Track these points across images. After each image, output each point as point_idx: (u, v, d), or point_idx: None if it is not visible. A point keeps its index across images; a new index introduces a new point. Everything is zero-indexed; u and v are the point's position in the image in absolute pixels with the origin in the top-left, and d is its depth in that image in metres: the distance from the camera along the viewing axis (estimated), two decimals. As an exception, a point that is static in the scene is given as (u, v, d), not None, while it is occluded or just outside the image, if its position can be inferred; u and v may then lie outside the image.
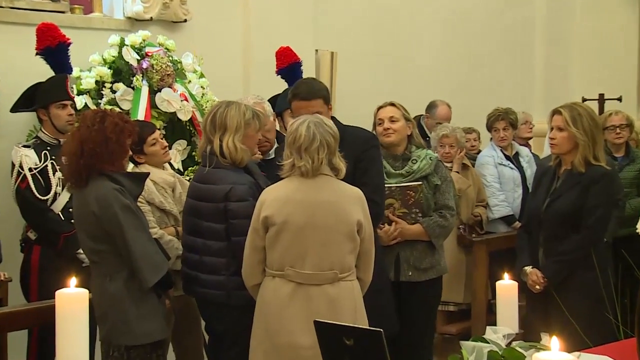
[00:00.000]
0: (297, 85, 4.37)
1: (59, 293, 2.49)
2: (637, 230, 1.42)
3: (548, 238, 4.61)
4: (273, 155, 4.72)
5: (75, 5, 5.89)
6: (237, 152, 4.07)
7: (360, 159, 4.17)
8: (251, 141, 4.19)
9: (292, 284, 3.68)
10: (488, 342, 2.77)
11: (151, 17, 6.03)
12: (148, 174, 4.27)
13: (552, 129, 4.60)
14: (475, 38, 8.42)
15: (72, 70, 5.23)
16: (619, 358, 2.92)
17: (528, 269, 4.60)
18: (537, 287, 4.54)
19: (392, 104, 4.65)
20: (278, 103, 5.50)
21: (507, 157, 6.69)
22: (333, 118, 4.15)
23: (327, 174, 3.71)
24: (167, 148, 4.68)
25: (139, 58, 5.53)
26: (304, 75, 5.98)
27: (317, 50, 6.45)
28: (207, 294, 4.12)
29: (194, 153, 5.57)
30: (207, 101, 5.71)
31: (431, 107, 7.19)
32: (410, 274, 4.54)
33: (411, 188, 4.53)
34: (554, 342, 1.69)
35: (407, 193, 4.52)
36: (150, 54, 5.56)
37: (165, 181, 4.55)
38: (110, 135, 3.84)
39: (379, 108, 4.64)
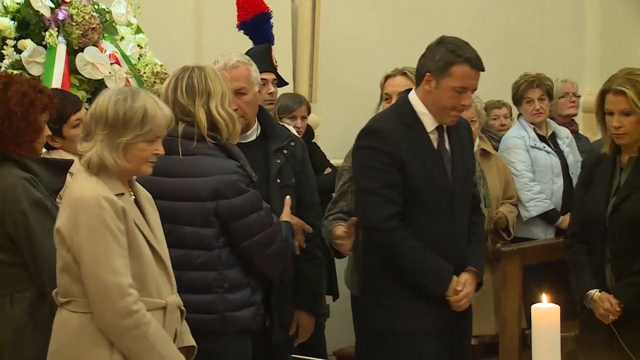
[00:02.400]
0: (466, 48, 4.45)
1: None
2: None
3: (619, 253, 4.60)
4: (254, 138, 4.78)
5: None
6: (233, 121, 4.18)
7: None
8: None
9: None
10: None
11: (71, -44, 5.98)
12: (71, 162, 4.24)
13: (611, 113, 4.57)
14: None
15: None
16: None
17: (595, 293, 4.60)
18: (611, 316, 4.53)
19: (404, 73, 4.68)
20: None
21: (542, 139, 6.76)
22: None
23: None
24: None
25: (53, 6, 5.47)
26: (275, 31, 5.96)
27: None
28: (196, 321, 4.02)
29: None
30: (146, 64, 5.68)
31: None
32: None
33: None
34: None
35: None
36: (68, 2, 5.50)
37: None
38: (14, 108, 3.83)
39: (387, 77, 4.68)
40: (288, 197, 4.50)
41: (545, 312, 3.13)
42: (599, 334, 4.62)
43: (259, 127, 4.82)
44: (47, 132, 4.20)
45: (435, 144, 4.47)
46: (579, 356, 4.62)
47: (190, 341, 3.77)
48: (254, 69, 4.80)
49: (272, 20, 5.93)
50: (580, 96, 7.55)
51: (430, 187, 4.40)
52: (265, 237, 4.20)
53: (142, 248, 3.52)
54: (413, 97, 4.47)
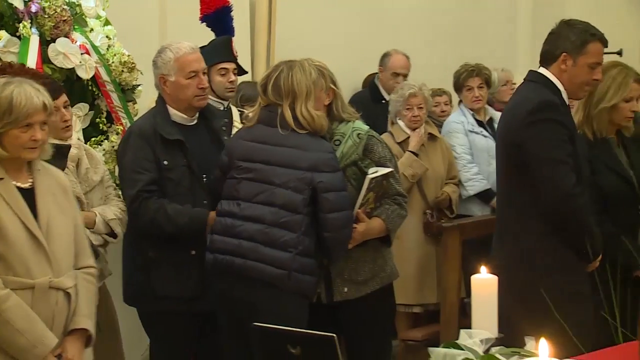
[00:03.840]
0: (593, 28, 4.57)
1: None
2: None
3: None
4: (196, 121, 4.81)
5: None
6: (315, 120, 4.24)
7: None
8: (319, 103, 4.34)
9: None
10: (462, 349, 2.82)
11: (42, -48, 5.92)
12: (69, 146, 4.32)
13: (629, 100, 4.75)
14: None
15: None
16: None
17: None
18: None
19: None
20: (204, 57, 5.45)
21: (480, 123, 6.79)
22: None
23: None
24: (69, 122, 4.60)
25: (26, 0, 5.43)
26: (235, 23, 5.95)
27: (252, -6, 6.45)
28: (265, 272, 4.17)
29: (97, 120, 5.50)
30: (114, 55, 5.62)
31: (383, 57, 7.23)
32: (345, 290, 4.40)
33: (387, 176, 4.39)
34: (542, 346, 1.72)
35: (382, 184, 4.40)
36: (40, -5, 5.47)
37: None
38: None
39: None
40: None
41: (484, 282, 3.15)
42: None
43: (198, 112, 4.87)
44: (64, 113, 4.30)
45: None
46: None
47: (83, 324, 3.72)
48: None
49: (232, 14, 5.92)
50: (516, 84, 7.60)
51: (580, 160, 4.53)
52: (345, 216, 4.25)
53: (7, 229, 3.53)
54: (550, 75, 4.54)
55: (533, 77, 4.63)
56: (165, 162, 4.61)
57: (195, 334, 4.70)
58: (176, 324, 4.67)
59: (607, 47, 4.54)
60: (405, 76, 7.23)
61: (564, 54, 4.49)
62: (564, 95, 4.53)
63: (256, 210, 4.21)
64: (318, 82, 4.26)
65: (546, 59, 4.59)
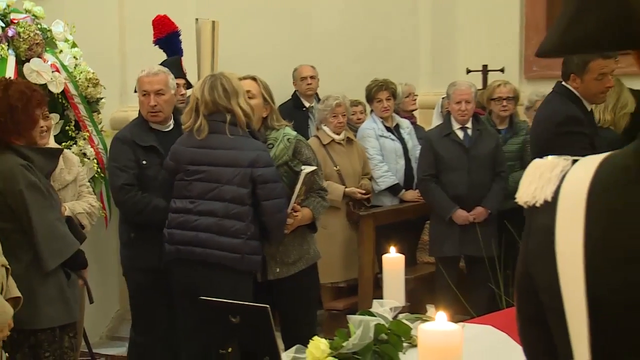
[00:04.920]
0: None
1: None
2: (516, 200, 1.51)
3: None
4: (171, 127, 4.90)
5: None
6: (255, 111, 4.32)
7: None
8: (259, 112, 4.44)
9: None
10: (375, 316, 2.88)
11: (17, -17, 5.86)
12: (62, 149, 4.34)
13: None
14: (365, 8, 8.49)
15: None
16: (501, 326, 3.07)
17: None
18: None
19: (254, 79, 4.50)
20: None
21: (388, 129, 6.77)
22: None
23: None
24: (47, 131, 4.57)
25: (3, 25, 5.35)
26: (184, 46, 5.95)
27: (197, 20, 6.40)
28: (221, 257, 4.21)
29: (67, 128, 5.46)
30: (81, 72, 5.59)
31: (294, 72, 7.39)
32: (277, 270, 4.42)
33: (314, 172, 4.45)
34: (439, 314, 1.77)
35: (310, 178, 4.44)
36: (16, 21, 5.40)
37: None
38: (16, 103, 3.81)
39: (239, 80, 4.47)
40: None
41: (393, 260, 3.21)
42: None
43: (173, 119, 4.92)
44: (42, 123, 4.17)
45: None
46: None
47: (16, 293, 3.64)
48: (171, 77, 4.93)
49: (180, 37, 5.90)
50: (417, 96, 7.70)
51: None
52: (279, 203, 4.27)
53: None
54: (572, 87, 4.62)
55: (559, 89, 4.75)
56: (144, 162, 4.75)
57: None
58: (153, 293, 4.79)
59: (610, 57, 4.56)
60: (312, 77, 7.30)
61: (572, 74, 4.59)
62: (585, 102, 4.64)
63: (209, 205, 4.24)
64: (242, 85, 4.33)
65: (564, 77, 4.70)
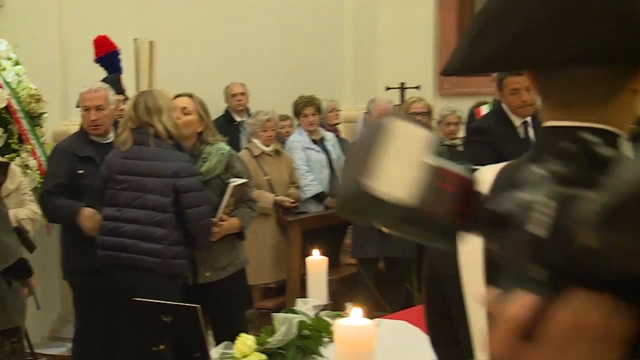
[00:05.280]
0: None
1: None
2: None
3: None
4: (111, 139, 4.80)
5: None
6: (179, 129, 4.25)
7: None
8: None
9: None
10: (298, 314, 2.88)
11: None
12: (9, 163, 4.28)
13: None
14: (291, 29, 8.47)
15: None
16: (414, 321, 3.10)
17: None
18: None
19: (190, 96, 4.45)
20: None
21: (314, 141, 6.79)
22: None
23: None
24: None
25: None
26: (124, 64, 5.88)
27: (135, 39, 6.33)
28: (144, 261, 4.16)
29: (10, 141, 5.36)
30: (24, 89, 5.50)
31: (225, 89, 7.32)
32: (208, 274, 4.40)
33: (246, 185, 4.46)
34: (355, 311, 1.79)
35: (240, 190, 4.43)
36: (-38, 41, 5.32)
37: None
38: None
39: (175, 97, 4.44)
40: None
41: (316, 262, 3.21)
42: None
43: (113, 132, 4.84)
44: None
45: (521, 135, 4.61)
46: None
47: None
48: (111, 93, 4.89)
49: (120, 56, 5.85)
50: (340, 111, 7.73)
51: None
52: (203, 211, 4.22)
53: None
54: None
55: (494, 103, 4.83)
56: (81, 171, 4.68)
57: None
58: (89, 292, 4.75)
59: (520, 74, 4.51)
60: (242, 94, 7.27)
61: (497, 91, 4.70)
62: (513, 116, 4.63)
63: (134, 213, 4.19)
64: (171, 102, 4.27)
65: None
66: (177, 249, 4.17)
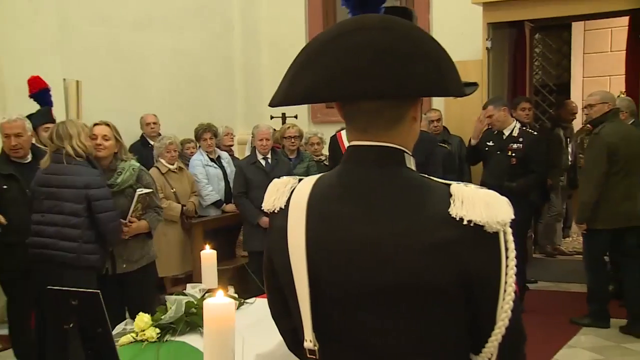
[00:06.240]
0: None
1: None
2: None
3: None
4: (29, 160, 4.74)
5: None
6: (88, 148, 4.16)
7: None
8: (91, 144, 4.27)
9: None
10: (187, 296, 2.87)
11: None
12: None
13: None
14: (193, 69, 8.43)
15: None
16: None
17: None
18: None
19: (107, 124, 4.38)
20: (33, 121, 5.23)
21: (212, 160, 6.77)
22: None
23: None
24: None
25: None
26: (55, 99, 5.73)
27: (64, 79, 6.17)
28: (62, 257, 4.09)
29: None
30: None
31: (140, 119, 7.18)
32: (124, 266, 4.42)
33: (149, 194, 4.44)
34: (219, 292, 1.79)
35: (146, 198, 4.42)
36: None
37: None
38: None
39: (94, 125, 4.39)
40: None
41: (208, 255, 3.18)
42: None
43: (32, 154, 4.79)
44: None
45: None
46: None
47: None
48: (27, 122, 4.82)
49: (50, 92, 5.69)
50: (234, 135, 7.71)
51: None
52: (111, 215, 4.18)
53: None
54: None
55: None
56: (5, 187, 4.60)
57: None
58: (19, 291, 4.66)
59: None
60: (154, 123, 7.17)
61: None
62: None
63: (53, 218, 4.14)
64: (82, 129, 4.20)
65: None
66: (89, 246, 4.14)
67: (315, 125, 8.48)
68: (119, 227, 4.27)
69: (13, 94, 6.02)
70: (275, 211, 1.47)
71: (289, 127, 6.57)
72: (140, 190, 4.35)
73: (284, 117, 8.11)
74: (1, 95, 6.14)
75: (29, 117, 5.27)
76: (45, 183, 4.18)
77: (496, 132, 5.99)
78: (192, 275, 6.20)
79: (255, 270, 6.06)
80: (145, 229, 4.46)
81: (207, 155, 6.74)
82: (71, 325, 2.24)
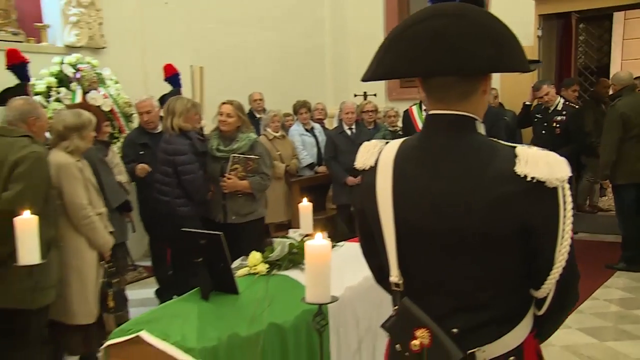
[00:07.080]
0: None
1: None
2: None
3: None
4: (159, 130, 4.59)
5: (30, 37, 5.58)
6: (183, 126, 4.03)
7: None
8: (193, 120, 4.11)
9: None
10: (289, 239, 2.88)
11: (81, 45, 5.74)
12: (110, 142, 4.25)
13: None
14: (290, 58, 8.40)
15: (30, 79, 4.91)
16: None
17: None
18: None
19: (231, 103, 4.19)
20: (165, 99, 5.29)
21: (307, 130, 6.70)
22: None
23: None
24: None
25: (74, 71, 5.28)
26: (183, 82, 5.83)
27: (191, 66, 6.27)
28: (163, 207, 4.06)
29: (113, 131, 5.31)
30: (121, 98, 5.52)
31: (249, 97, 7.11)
32: (234, 218, 4.14)
33: (251, 159, 4.11)
34: (318, 235, 1.77)
35: (247, 162, 4.12)
36: (81, 69, 5.31)
37: None
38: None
39: (222, 104, 4.20)
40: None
41: (305, 206, 3.13)
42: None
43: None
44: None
45: None
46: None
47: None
48: (154, 100, 4.82)
49: (180, 77, 5.74)
50: (323, 110, 7.54)
51: None
52: (193, 178, 4.02)
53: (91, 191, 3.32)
54: None
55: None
56: (142, 152, 4.57)
57: None
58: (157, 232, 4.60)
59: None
60: (260, 100, 7.03)
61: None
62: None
63: (157, 177, 4.12)
64: (191, 108, 4.08)
65: None
66: (179, 201, 4.04)
67: (391, 102, 8.33)
68: (201, 187, 4.08)
69: (153, 78, 6.18)
70: (366, 169, 1.44)
71: (367, 103, 6.45)
72: (235, 155, 4.12)
73: (365, 95, 7.97)
74: (144, 79, 6.30)
75: (162, 96, 5.37)
76: (159, 149, 4.17)
77: (544, 107, 5.90)
78: (291, 222, 6.26)
79: (343, 219, 6.11)
80: (245, 188, 4.12)
81: (303, 126, 6.70)
82: (200, 260, 2.29)
